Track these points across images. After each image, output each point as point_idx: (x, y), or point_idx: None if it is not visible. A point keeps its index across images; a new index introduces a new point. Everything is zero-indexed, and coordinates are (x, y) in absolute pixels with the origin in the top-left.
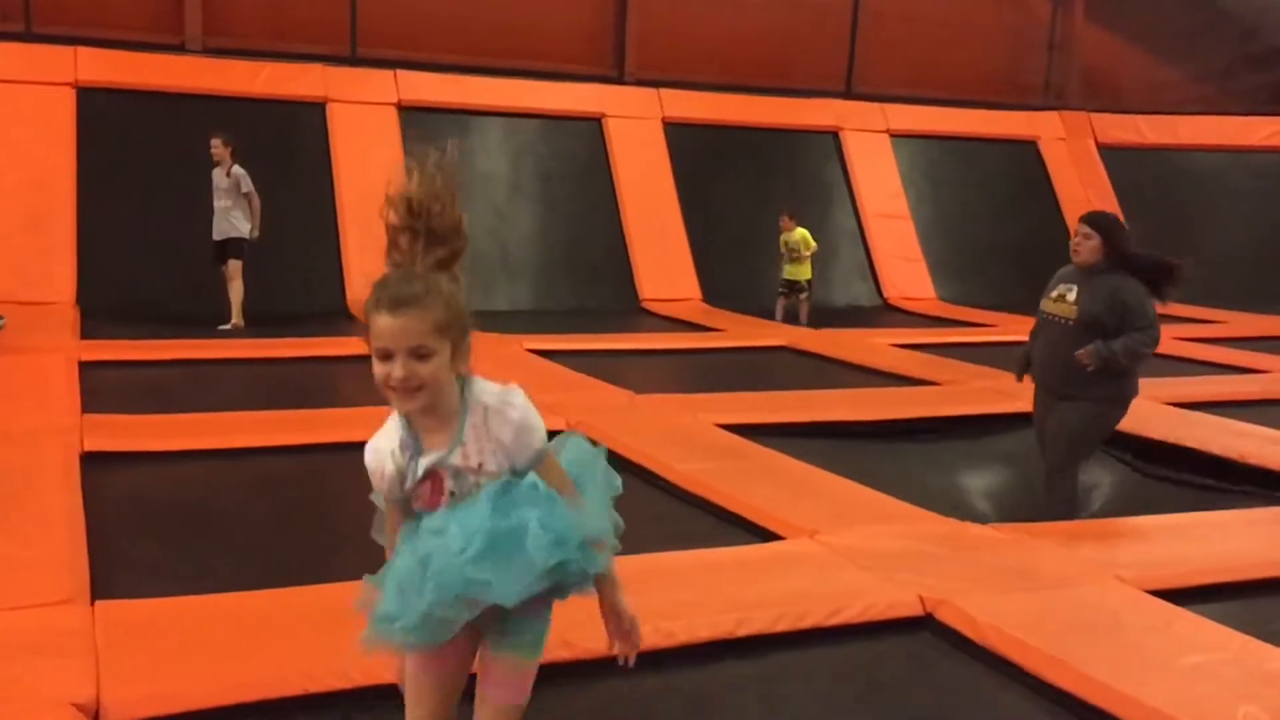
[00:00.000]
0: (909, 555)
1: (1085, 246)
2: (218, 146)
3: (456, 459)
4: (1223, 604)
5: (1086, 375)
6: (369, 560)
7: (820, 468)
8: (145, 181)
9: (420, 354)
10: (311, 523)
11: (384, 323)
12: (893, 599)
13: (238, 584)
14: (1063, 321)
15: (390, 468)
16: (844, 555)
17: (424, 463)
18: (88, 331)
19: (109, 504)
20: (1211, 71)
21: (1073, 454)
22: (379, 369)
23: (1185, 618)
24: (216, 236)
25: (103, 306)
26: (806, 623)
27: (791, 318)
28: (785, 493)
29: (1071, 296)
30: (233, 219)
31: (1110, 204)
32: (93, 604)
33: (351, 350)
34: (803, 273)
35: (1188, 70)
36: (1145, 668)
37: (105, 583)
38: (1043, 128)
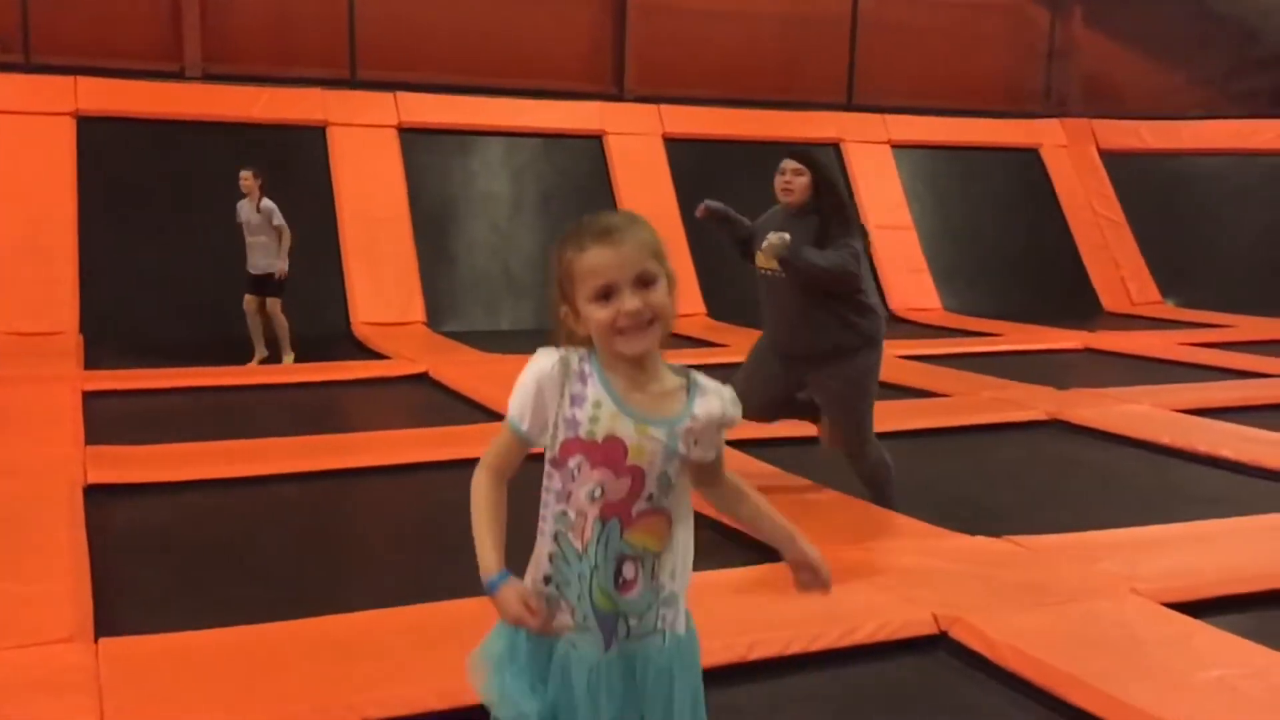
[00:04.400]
0: (922, 572)
1: (798, 184)
2: (247, 179)
3: (680, 431)
4: (1242, 616)
5: (825, 327)
6: (380, 589)
7: (827, 484)
8: (147, 209)
9: (646, 280)
10: (321, 552)
11: (599, 256)
12: (906, 618)
13: (246, 617)
14: (779, 275)
15: (553, 369)
16: (857, 574)
17: (630, 419)
18: (91, 361)
19: (113, 537)
20: (1212, 75)
21: (859, 418)
22: (602, 313)
23: (1204, 631)
24: (255, 271)
25: (106, 336)
26: (820, 644)
27: None
28: (793, 510)
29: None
30: (268, 254)
31: (1115, 210)
32: (96, 641)
33: (358, 374)
34: None
35: (1189, 74)
36: (1164, 683)
37: (110, 619)
38: (1044, 135)
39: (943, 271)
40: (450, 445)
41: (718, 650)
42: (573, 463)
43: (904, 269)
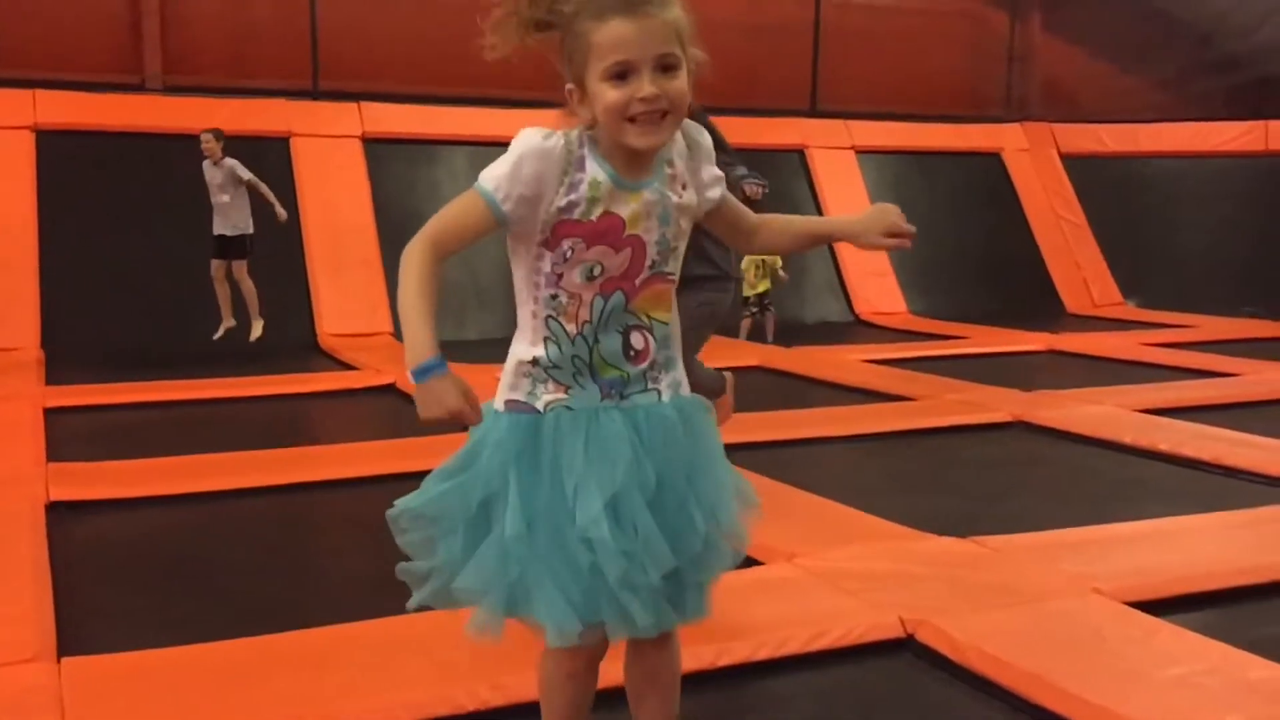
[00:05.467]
0: (889, 575)
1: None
2: (209, 141)
3: (667, 179)
4: (1203, 613)
5: (686, 257)
6: (347, 602)
7: (797, 487)
8: (108, 222)
9: (668, 64)
10: (287, 566)
11: (620, 29)
12: (873, 621)
13: (211, 634)
14: None
15: (557, 150)
16: (823, 578)
17: (625, 191)
18: (52, 377)
19: (76, 555)
20: (1168, 79)
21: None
22: (615, 94)
23: (1165, 629)
24: (223, 231)
25: (67, 351)
26: (787, 650)
27: (758, 335)
28: (763, 515)
29: None
30: (239, 213)
31: (1076, 212)
32: (59, 661)
33: (324, 386)
34: (764, 285)
35: (1145, 78)
36: (1127, 682)
37: (73, 638)
38: (1006, 140)
39: (907, 275)
40: (417, 457)
41: (684, 659)
42: (566, 244)
43: (869, 273)
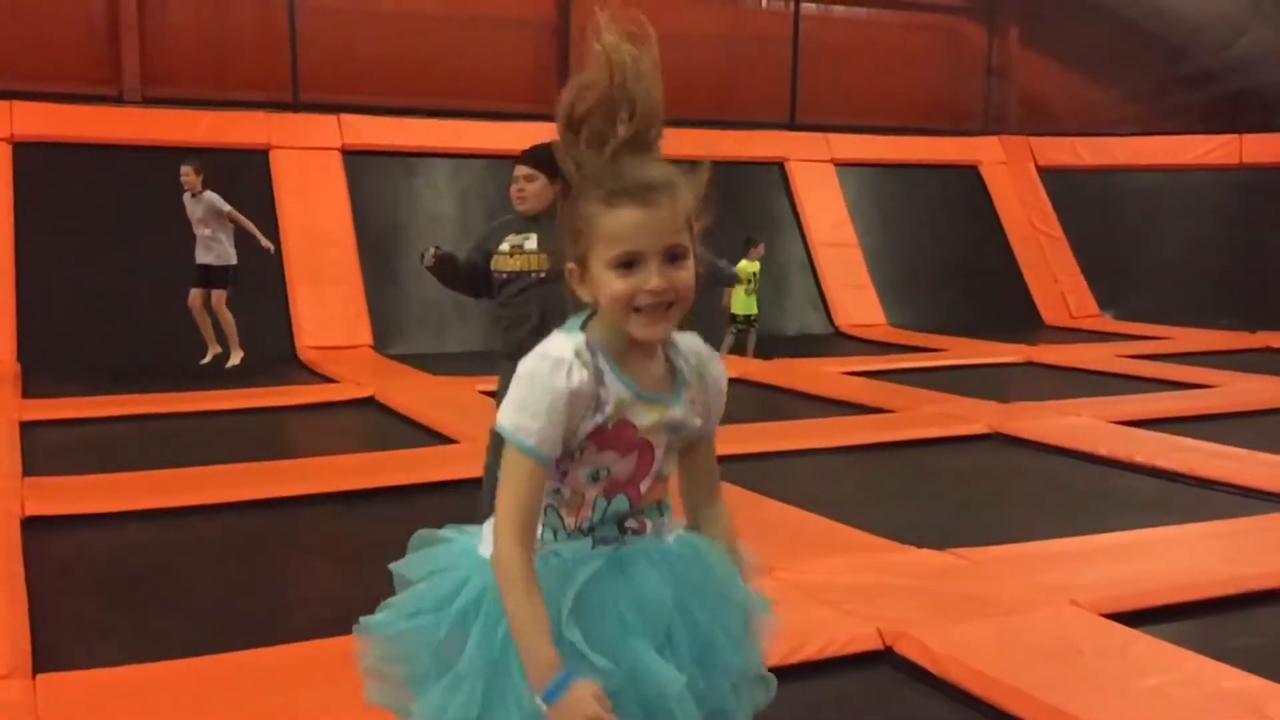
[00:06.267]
0: (867, 587)
1: (530, 190)
2: (189, 174)
3: (683, 405)
4: (1178, 624)
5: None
6: (324, 617)
7: (776, 499)
8: (85, 235)
9: (676, 255)
10: (264, 582)
11: (629, 219)
12: (852, 633)
13: (187, 649)
14: (534, 275)
15: (584, 382)
16: (803, 591)
17: (643, 402)
18: (29, 390)
19: (52, 570)
20: (1143, 93)
21: None
22: (620, 285)
23: (1141, 640)
24: (206, 260)
25: (44, 364)
26: (767, 662)
27: (739, 352)
28: (741, 528)
29: (532, 244)
30: (220, 245)
31: (1053, 225)
32: (34, 677)
33: (304, 399)
34: (754, 306)
35: (1121, 92)
36: (1103, 693)
37: (48, 654)
38: (984, 152)
39: (887, 287)
40: (396, 471)
41: None
42: (578, 447)
43: (848, 285)
